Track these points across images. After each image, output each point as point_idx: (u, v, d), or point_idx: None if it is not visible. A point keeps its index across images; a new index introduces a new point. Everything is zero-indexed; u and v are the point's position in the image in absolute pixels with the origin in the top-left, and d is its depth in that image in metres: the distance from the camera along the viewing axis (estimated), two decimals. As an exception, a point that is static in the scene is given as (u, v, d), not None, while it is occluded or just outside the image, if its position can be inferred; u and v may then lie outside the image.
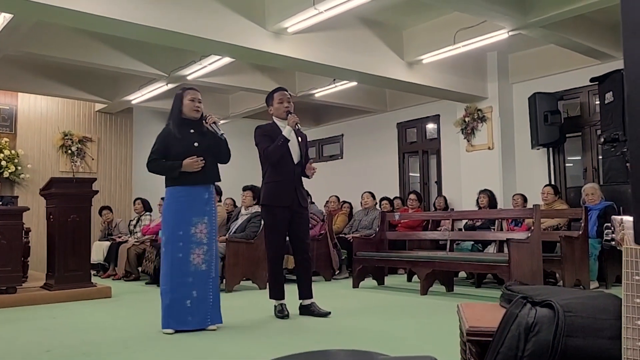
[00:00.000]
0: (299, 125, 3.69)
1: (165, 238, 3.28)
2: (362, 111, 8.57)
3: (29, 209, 4.99)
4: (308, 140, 4.01)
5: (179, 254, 3.21)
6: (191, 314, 3.20)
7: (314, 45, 5.24)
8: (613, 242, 1.18)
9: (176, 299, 3.18)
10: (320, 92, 7.18)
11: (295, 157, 3.71)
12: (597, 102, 6.10)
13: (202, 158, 3.27)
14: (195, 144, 3.32)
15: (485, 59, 6.86)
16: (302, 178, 3.80)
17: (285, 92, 3.80)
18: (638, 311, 1.07)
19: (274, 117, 3.77)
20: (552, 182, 6.36)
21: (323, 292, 4.68)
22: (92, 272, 5.63)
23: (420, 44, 5.86)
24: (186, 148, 3.29)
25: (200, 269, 3.25)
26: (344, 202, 7.90)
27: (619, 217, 1.16)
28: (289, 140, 3.64)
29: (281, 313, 3.62)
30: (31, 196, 7.24)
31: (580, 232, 4.74)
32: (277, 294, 3.69)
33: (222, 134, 3.38)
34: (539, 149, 6.51)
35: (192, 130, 3.36)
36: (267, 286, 3.83)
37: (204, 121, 3.39)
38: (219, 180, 3.44)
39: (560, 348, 1.15)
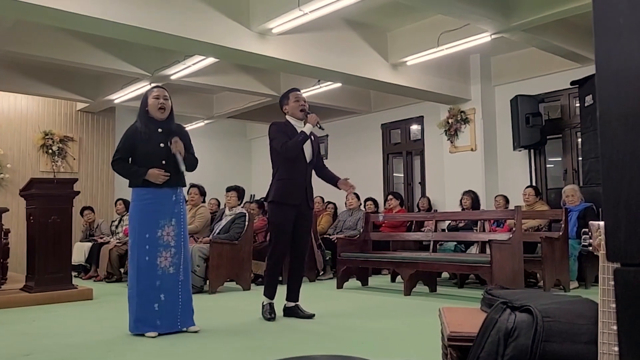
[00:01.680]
0: (320, 123, 3.71)
1: (131, 241, 3.23)
2: (347, 112, 8.58)
3: (8, 210, 4.90)
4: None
5: (145, 257, 3.17)
6: (159, 317, 3.16)
7: (299, 46, 5.25)
8: (590, 248, 1.21)
9: (143, 303, 3.14)
10: (305, 93, 7.13)
11: (308, 156, 3.74)
12: (578, 105, 6.21)
13: (168, 174, 3.21)
14: (161, 145, 3.27)
15: (469, 61, 6.93)
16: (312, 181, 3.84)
17: (299, 92, 3.89)
18: (614, 316, 1.09)
19: (288, 116, 3.80)
20: (533, 184, 6.44)
21: (307, 293, 4.67)
22: (73, 273, 5.56)
23: (405, 46, 5.89)
24: (152, 149, 3.24)
25: (167, 272, 3.21)
26: (329, 202, 7.91)
27: (596, 222, 1.18)
28: (309, 137, 3.66)
29: (269, 314, 3.61)
30: (11, 197, 7.12)
31: (561, 233, 4.82)
32: (271, 292, 3.67)
33: (183, 169, 3.26)
34: (520, 150, 6.59)
35: (159, 130, 3.30)
36: (257, 283, 3.80)
37: (168, 143, 3.26)
38: (184, 185, 3.39)
39: (539, 353, 1.17)
